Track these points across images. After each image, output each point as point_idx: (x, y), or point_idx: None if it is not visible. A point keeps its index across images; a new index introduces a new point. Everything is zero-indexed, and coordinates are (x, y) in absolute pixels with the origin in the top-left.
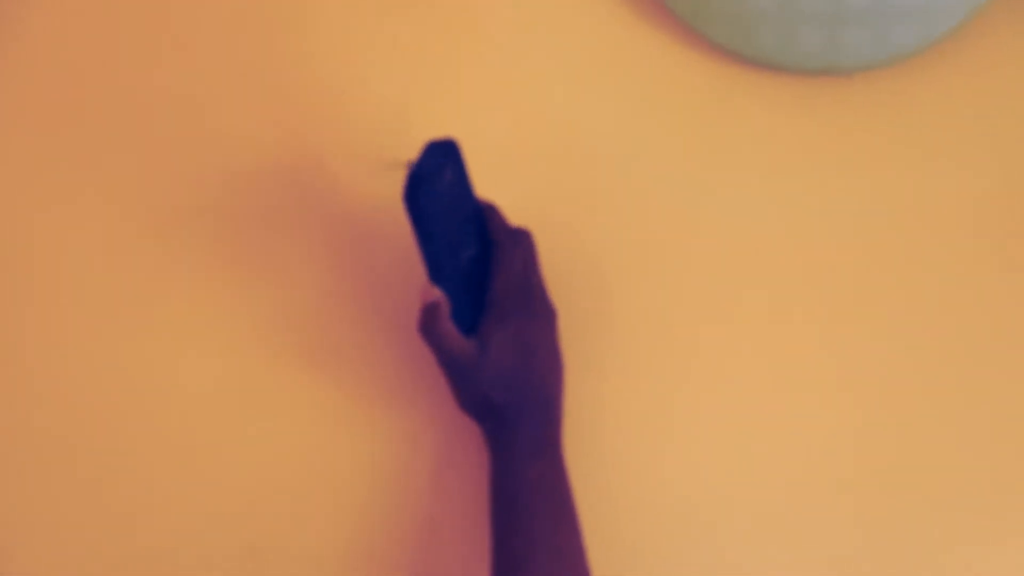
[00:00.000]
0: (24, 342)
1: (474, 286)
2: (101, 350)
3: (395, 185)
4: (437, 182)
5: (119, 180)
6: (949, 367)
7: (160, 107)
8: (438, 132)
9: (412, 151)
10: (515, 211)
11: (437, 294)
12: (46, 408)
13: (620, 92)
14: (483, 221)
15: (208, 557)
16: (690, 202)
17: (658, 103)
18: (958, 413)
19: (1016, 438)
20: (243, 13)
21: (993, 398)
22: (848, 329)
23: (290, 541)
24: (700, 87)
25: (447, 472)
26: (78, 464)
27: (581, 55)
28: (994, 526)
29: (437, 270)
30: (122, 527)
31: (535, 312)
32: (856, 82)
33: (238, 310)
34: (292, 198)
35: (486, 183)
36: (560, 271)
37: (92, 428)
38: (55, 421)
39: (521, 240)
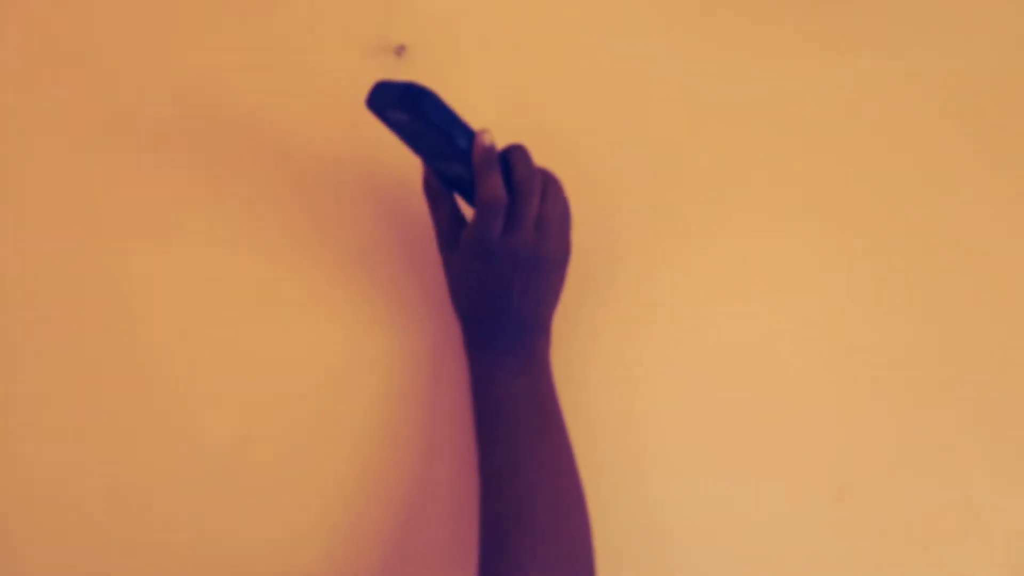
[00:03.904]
0: (27, 251)
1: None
2: (104, 256)
3: (389, 71)
4: (393, 111)
5: (116, 96)
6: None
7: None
8: (434, 15)
9: (404, 33)
10: (504, 98)
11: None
12: (52, 309)
13: None
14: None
15: (202, 445)
16: (679, 81)
17: None
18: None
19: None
20: None
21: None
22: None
23: (285, 435)
24: None
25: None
26: (83, 356)
27: None
28: None
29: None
30: (120, 418)
31: (515, 263)
32: None
33: (243, 209)
34: (292, 86)
35: (478, 70)
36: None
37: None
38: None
39: (488, 213)
